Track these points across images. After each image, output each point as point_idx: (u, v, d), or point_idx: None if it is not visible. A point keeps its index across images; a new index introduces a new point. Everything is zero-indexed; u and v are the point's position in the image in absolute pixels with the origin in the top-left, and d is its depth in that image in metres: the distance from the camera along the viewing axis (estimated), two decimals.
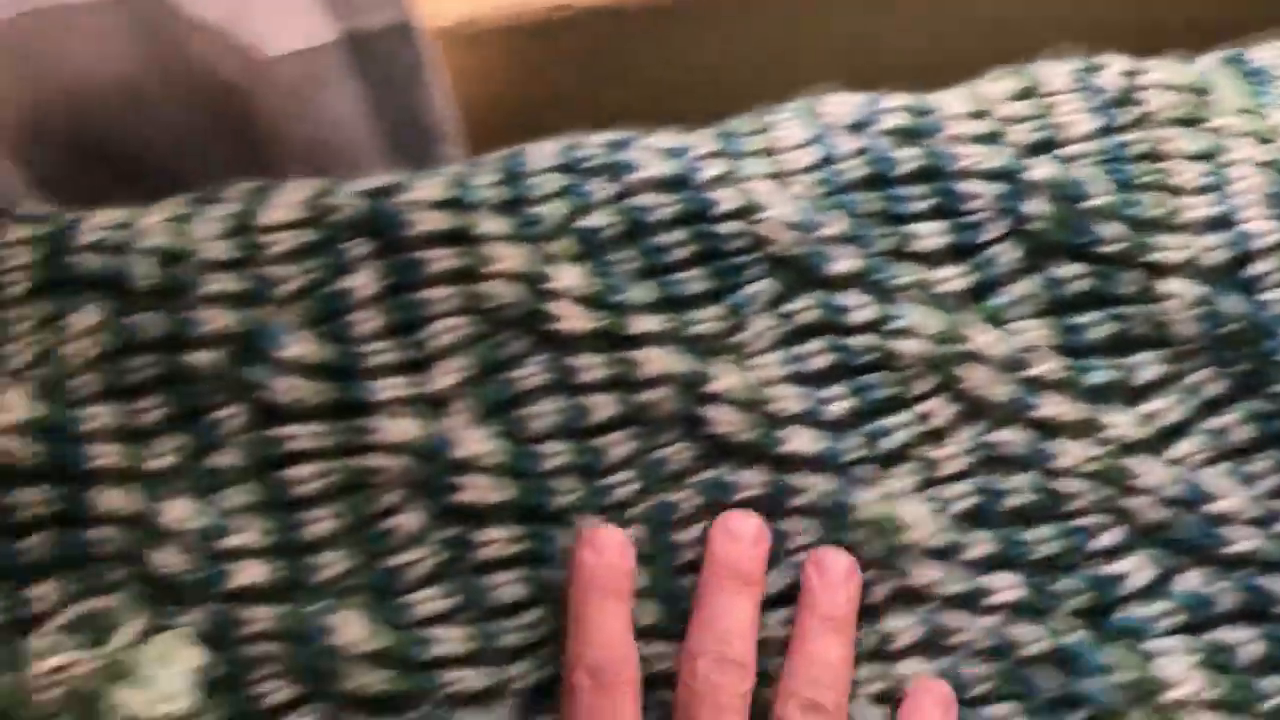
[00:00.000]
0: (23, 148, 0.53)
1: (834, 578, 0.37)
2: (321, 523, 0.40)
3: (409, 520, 0.40)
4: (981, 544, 0.38)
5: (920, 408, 0.40)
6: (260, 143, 0.55)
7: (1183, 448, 0.39)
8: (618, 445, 0.40)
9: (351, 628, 0.38)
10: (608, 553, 0.38)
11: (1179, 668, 0.37)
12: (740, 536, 0.38)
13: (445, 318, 0.41)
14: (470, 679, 0.38)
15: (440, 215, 0.42)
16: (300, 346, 0.41)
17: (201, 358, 0.41)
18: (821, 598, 0.37)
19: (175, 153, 0.56)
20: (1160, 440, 0.39)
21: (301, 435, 0.41)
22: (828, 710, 0.35)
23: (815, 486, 0.39)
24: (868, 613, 0.38)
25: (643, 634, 0.38)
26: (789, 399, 0.40)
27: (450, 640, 0.39)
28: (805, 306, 0.41)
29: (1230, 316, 0.39)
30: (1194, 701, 0.36)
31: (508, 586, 0.39)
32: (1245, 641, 0.37)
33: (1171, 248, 0.40)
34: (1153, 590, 0.38)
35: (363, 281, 0.42)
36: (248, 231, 0.42)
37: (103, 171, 0.49)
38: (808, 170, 0.42)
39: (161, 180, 0.46)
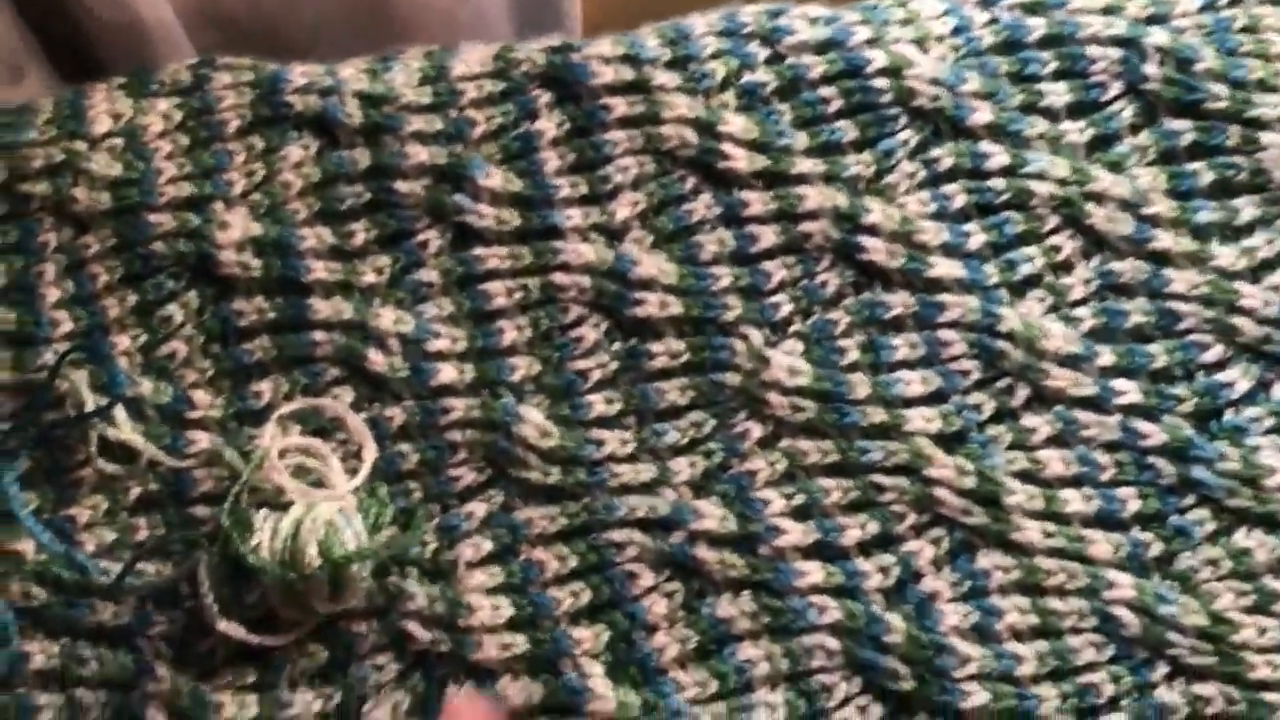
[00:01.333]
0: (195, 30, 0.58)
1: None
2: (513, 331, 0.44)
3: (590, 332, 0.45)
4: (1106, 355, 0.44)
5: (1050, 241, 0.45)
6: (397, 21, 0.60)
7: (1276, 277, 0.44)
8: (780, 270, 0.45)
9: (534, 423, 0.43)
10: None
11: (1277, 461, 0.42)
12: None
13: (624, 157, 0.46)
14: (634, 473, 0.43)
15: (619, 68, 0.47)
16: (497, 178, 0.46)
17: (406, 187, 0.46)
18: None
19: (318, 35, 0.61)
20: (1258, 270, 0.44)
21: (496, 256, 0.46)
22: None
23: (962, 304, 0.45)
24: (1010, 413, 0.43)
25: (805, 429, 0.43)
26: (934, 231, 0.45)
27: (618, 440, 0.43)
28: (947, 153, 0.46)
29: None
30: None
31: (673, 392, 0.44)
32: None
33: (1270, 105, 0.46)
34: (1252, 396, 0.43)
35: (548, 125, 0.47)
36: (442, 80, 0.47)
37: (258, 50, 0.54)
38: (946, 36, 0.48)
39: (304, 59, 0.50)
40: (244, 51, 0.49)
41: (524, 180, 0.46)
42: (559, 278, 0.45)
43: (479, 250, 0.46)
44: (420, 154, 0.46)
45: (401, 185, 0.46)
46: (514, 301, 0.45)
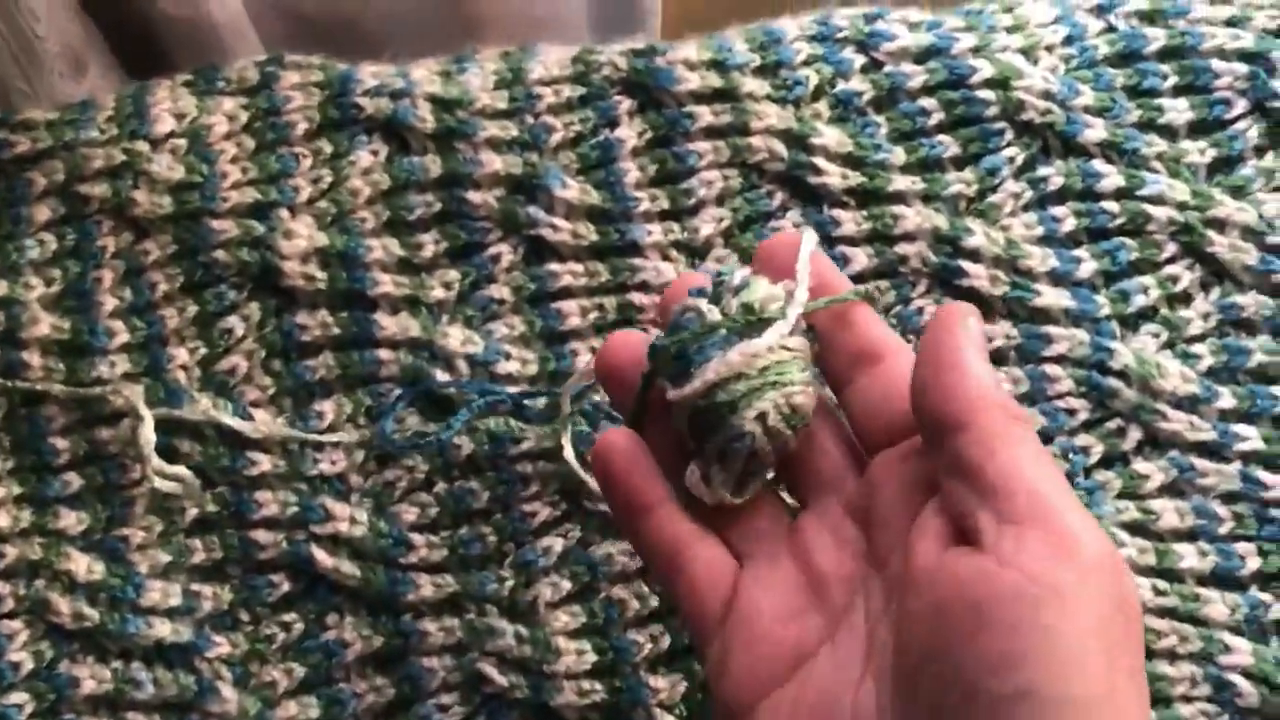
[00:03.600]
0: (264, 24, 0.56)
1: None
2: (588, 354, 0.41)
3: None
4: (1226, 397, 0.40)
5: (1167, 271, 0.41)
6: (470, 16, 0.58)
7: None
8: (872, 293, 0.43)
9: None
10: None
11: None
12: None
13: (709, 169, 0.43)
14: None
15: (705, 74, 0.44)
16: (573, 189, 0.44)
17: (479, 197, 0.43)
18: None
19: (391, 29, 0.59)
20: None
21: (570, 272, 0.43)
22: None
23: (1070, 337, 0.41)
24: (1120, 458, 0.40)
25: None
26: (1041, 257, 0.42)
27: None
28: (1056, 172, 0.42)
29: None
30: None
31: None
32: None
33: None
34: None
35: (629, 133, 0.44)
36: (519, 84, 0.45)
37: (328, 46, 0.52)
38: (1057, 46, 0.45)
39: (377, 54, 0.48)
40: (314, 47, 0.47)
41: (602, 192, 0.44)
42: (637, 298, 0.43)
43: (553, 266, 0.43)
44: (494, 162, 0.44)
45: (473, 195, 0.43)
46: (588, 322, 0.43)
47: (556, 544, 0.40)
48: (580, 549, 0.40)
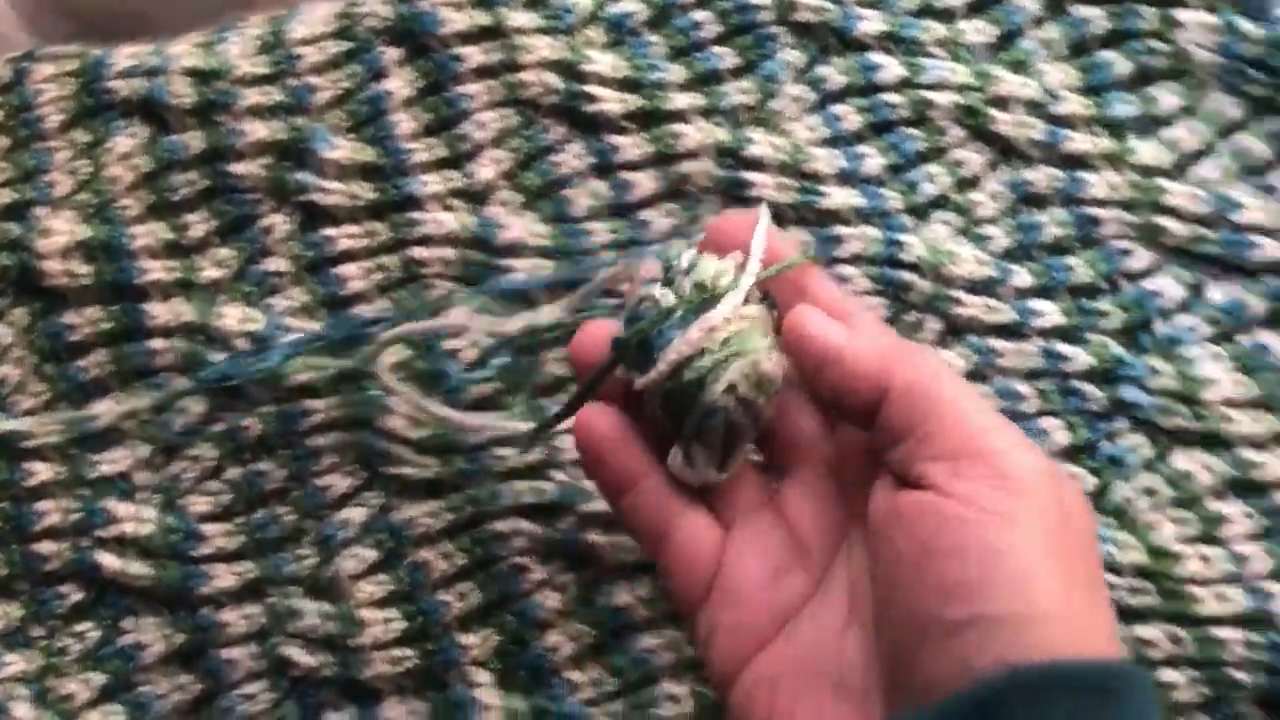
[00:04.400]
0: (48, 24, 0.54)
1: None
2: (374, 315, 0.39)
3: (460, 311, 0.41)
4: (1022, 275, 0.39)
5: (954, 156, 0.40)
6: None
7: (1203, 170, 0.39)
8: (662, 218, 0.40)
9: (403, 413, 0.38)
10: None
11: (1216, 371, 0.38)
12: None
13: (483, 111, 0.41)
14: (516, 457, 0.39)
15: (471, 13, 0.42)
16: (343, 149, 0.42)
17: (244, 168, 0.40)
18: None
19: (179, 13, 0.57)
20: (1183, 164, 0.39)
21: (348, 235, 0.41)
22: None
23: (861, 236, 0.40)
24: None
25: None
26: (826, 158, 0.40)
27: (501, 420, 0.39)
28: (835, 70, 0.41)
29: (1246, 39, 0.40)
30: (1233, 401, 0.38)
31: (558, 364, 0.39)
32: (1275, 342, 0.38)
33: None
34: (1185, 304, 0.38)
35: (398, 84, 0.43)
36: (279, 46, 0.42)
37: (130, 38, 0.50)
38: None
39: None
40: (101, 40, 0.46)
41: (375, 148, 0.42)
42: (420, 252, 0.41)
43: (330, 231, 0.41)
44: (257, 130, 0.42)
45: (239, 167, 0.41)
46: (373, 284, 0.41)
47: (357, 514, 0.39)
48: (382, 515, 0.39)
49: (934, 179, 0.40)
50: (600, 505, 0.38)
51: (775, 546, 0.31)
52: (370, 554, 0.38)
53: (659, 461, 0.32)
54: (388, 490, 0.39)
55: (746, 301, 0.31)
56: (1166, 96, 0.40)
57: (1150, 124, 0.40)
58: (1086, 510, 0.28)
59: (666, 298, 0.31)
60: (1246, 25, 0.40)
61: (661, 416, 0.31)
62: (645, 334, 0.31)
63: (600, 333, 0.32)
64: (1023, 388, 0.38)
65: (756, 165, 0.40)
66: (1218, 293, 0.39)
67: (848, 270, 0.40)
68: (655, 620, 0.38)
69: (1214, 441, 0.37)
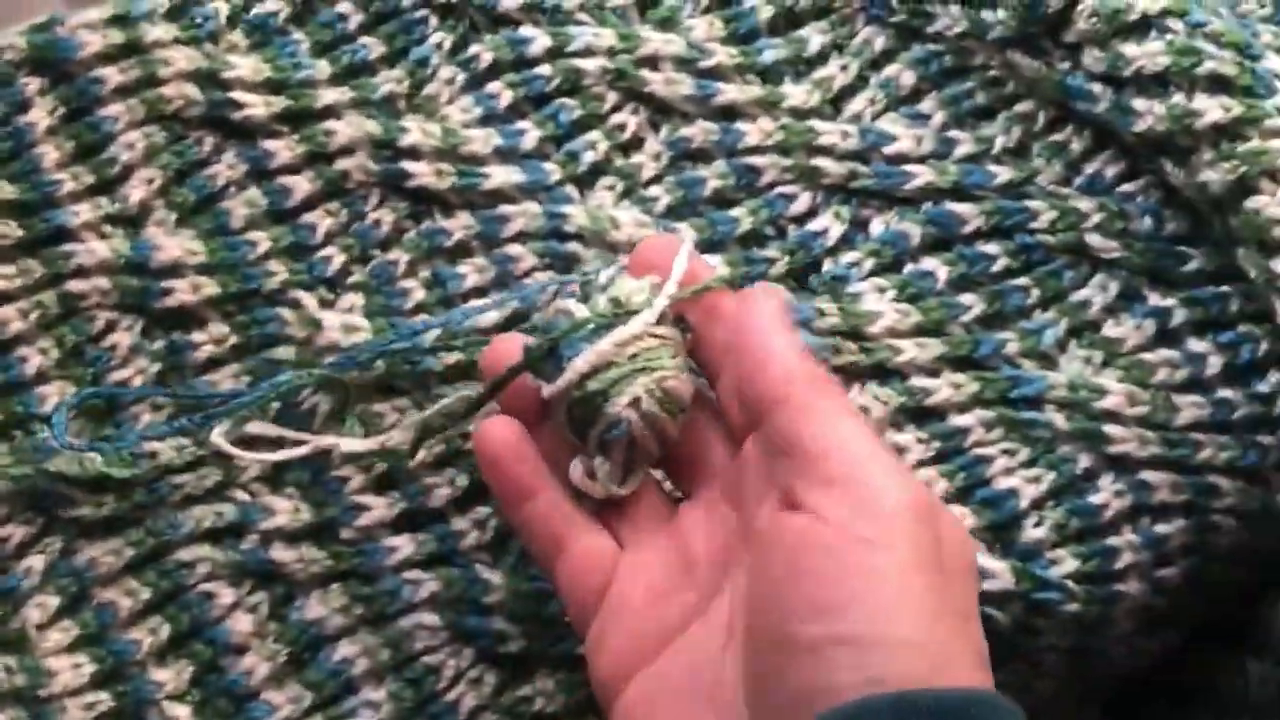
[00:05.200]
0: None
1: None
2: (37, 357, 0.38)
3: (123, 336, 0.39)
4: (686, 231, 0.38)
5: (611, 121, 0.39)
6: None
7: (855, 105, 0.39)
8: (324, 219, 0.39)
9: (73, 454, 0.37)
10: None
11: (880, 304, 0.38)
12: None
13: (128, 131, 0.39)
14: (197, 480, 0.38)
15: (107, 32, 0.40)
16: None
17: None
18: None
19: None
20: (835, 102, 0.39)
21: (2, 276, 0.40)
22: None
23: (524, 213, 0.39)
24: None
25: (378, 390, 0.39)
26: (483, 138, 0.39)
27: (172, 449, 0.38)
28: (485, 48, 0.40)
29: None
30: (898, 331, 0.37)
31: (227, 381, 0.38)
32: (938, 267, 0.38)
33: None
34: (848, 240, 0.38)
35: (40, 114, 0.41)
36: None
37: None
38: None
39: None
40: None
41: (20, 184, 0.40)
42: (76, 285, 0.39)
43: None
44: None
45: None
46: (31, 324, 0.39)
47: (38, 562, 0.37)
48: (63, 560, 0.37)
49: (594, 146, 0.40)
50: (282, 520, 0.37)
51: (667, 566, 0.31)
52: (54, 600, 0.37)
53: (562, 477, 0.32)
54: (67, 533, 0.38)
55: (661, 323, 0.31)
56: (814, 36, 0.40)
57: (802, 65, 0.40)
58: (965, 542, 0.29)
59: (580, 311, 0.31)
60: None
61: (567, 427, 0.32)
62: (555, 343, 0.31)
63: (513, 345, 0.32)
64: None
65: (413, 154, 0.40)
66: (879, 225, 0.39)
67: (515, 249, 0.39)
68: (350, 628, 0.37)
69: (885, 373, 0.37)
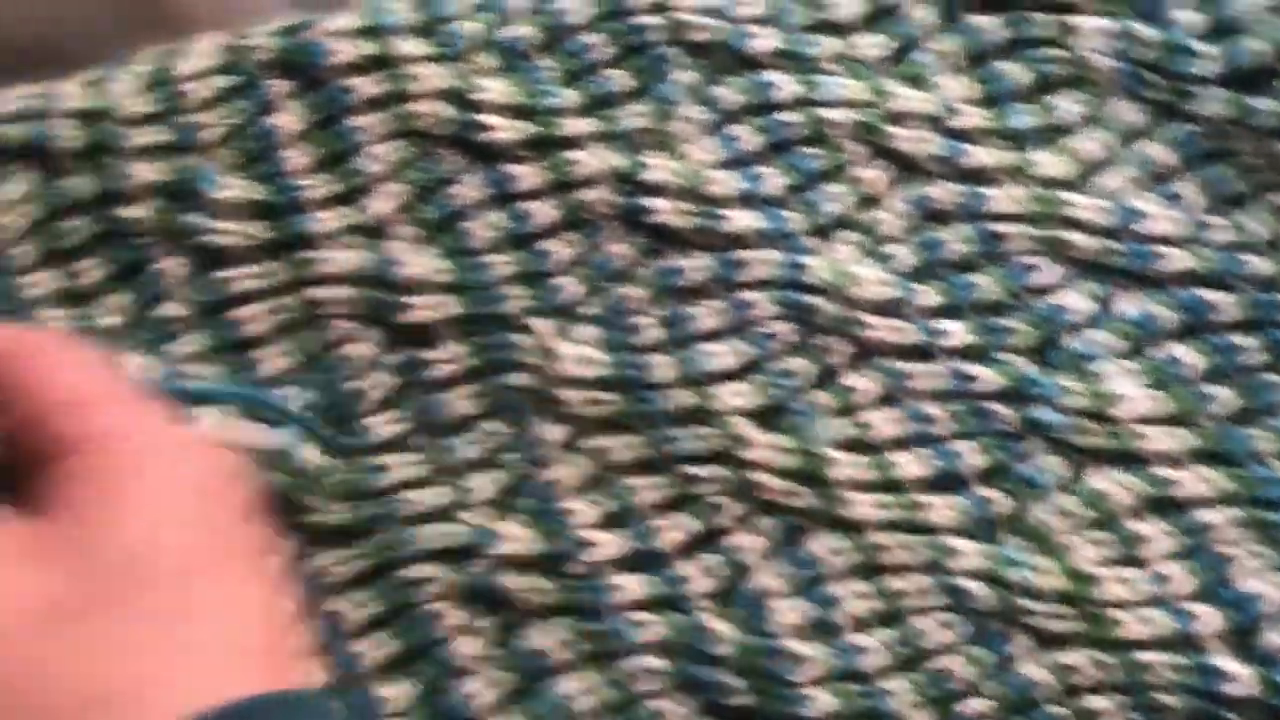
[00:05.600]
0: None
1: None
2: (275, 360, 0.39)
3: (361, 348, 0.39)
4: (928, 294, 0.38)
5: (854, 174, 0.39)
6: (169, 15, 0.55)
7: (1108, 179, 0.39)
8: (561, 248, 0.39)
9: (310, 458, 0.38)
10: None
11: (1128, 387, 0.37)
12: None
13: (376, 144, 0.39)
14: (428, 499, 0.38)
15: (359, 43, 0.41)
16: (233, 188, 0.40)
17: (134, 212, 0.39)
18: None
19: (92, 40, 0.55)
20: (1087, 175, 0.38)
21: (245, 276, 0.39)
22: None
23: (764, 260, 0.39)
24: (829, 375, 0.38)
25: (607, 425, 0.40)
26: (725, 181, 0.39)
27: (407, 464, 0.38)
28: (731, 90, 0.40)
29: (1143, 43, 0.40)
30: (1145, 418, 0.37)
31: (461, 402, 0.38)
32: (1188, 355, 0.38)
33: None
34: (1094, 318, 0.38)
35: (288, 118, 0.41)
36: (167, 84, 0.41)
37: (39, 67, 0.49)
38: None
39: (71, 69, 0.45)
40: (24, 71, 0.44)
41: (266, 186, 0.41)
42: (318, 292, 0.40)
43: (225, 273, 0.41)
44: (145, 172, 0.40)
45: (129, 211, 0.40)
46: (272, 326, 0.40)
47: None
48: (293, 565, 0.38)
49: (835, 198, 0.40)
50: (514, 546, 0.38)
51: None
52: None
53: None
54: (297, 539, 0.38)
55: None
56: (1067, 105, 0.40)
57: (1052, 134, 0.40)
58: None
59: None
60: (1143, 29, 0.39)
61: None
62: None
63: None
64: (934, 410, 0.38)
65: (655, 190, 0.40)
66: (1127, 305, 0.38)
67: (752, 295, 0.39)
68: (574, 663, 0.37)
69: (1129, 459, 0.37)
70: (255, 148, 0.40)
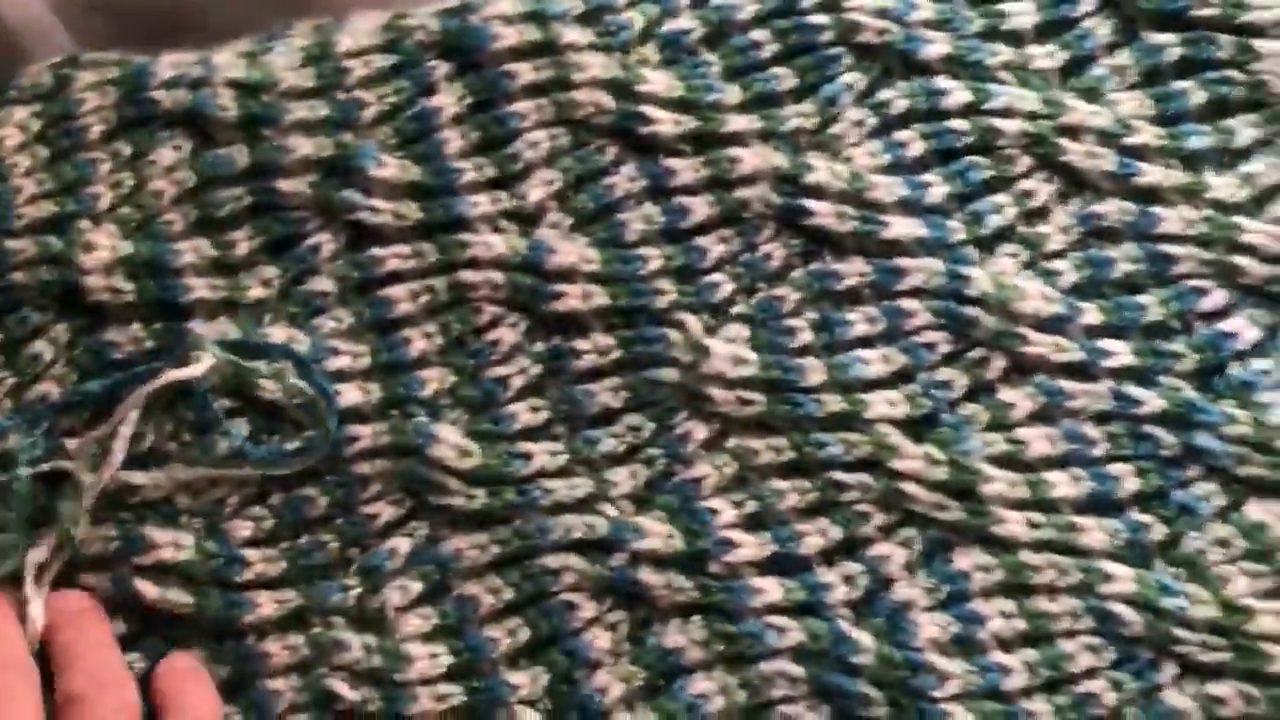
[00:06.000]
0: (81, 22, 0.53)
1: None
2: (421, 340, 0.39)
3: (507, 333, 0.39)
4: (1092, 313, 0.37)
5: (1021, 185, 0.38)
6: None
7: None
8: (717, 245, 0.39)
9: (451, 442, 0.38)
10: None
11: None
12: None
13: (534, 130, 0.39)
14: (568, 489, 0.37)
15: (522, 28, 0.40)
16: (390, 167, 0.41)
17: (290, 185, 0.39)
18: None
19: (218, 10, 0.56)
20: (1261, 200, 0.37)
21: (397, 255, 0.39)
22: None
23: (924, 268, 0.39)
24: (986, 388, 0.38)
25: (754, 426, 0.38)
26: (888, 186, 0.38)
27: (547, 453, 0.38)
28: (899, 94, 0.39)
29: None
30: None
31: (605, 394, 0.38)
32: None
33: (1265, 7, 0.39)
34: (1260, 346, 0.37)
35: (448, 100, 0.41)
36: (327, 59, 0.41)
37: (160, 37, 0.49)
38: None
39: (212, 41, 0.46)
40: (144, 41, 0.44)
41: (423, 166, 0.40)
42: (468, 275, 0.40)
43: (377, 251, 0.40)
44: (304, 146, 0.40)
45: (285, 184, 0.40)
46: (420, 306, 0.40)
47: (403, 544, 0.38)
48: (429, 546, 0.38)
49: (1001, 210, 0.39)
50: (653, 543, 0.37)
51: None
52: (416, 586, 0.38)
53: None
54: (434, 520, 0.38)
55: None
56: (1244, 129, 0.39)
57: (1227, 157, 0.39)
58: None
59: None
60: None
61: None
62: None
63: None
64: (1092, 431, 0.37)
65: (816, 192, 0.39)
66: None
67: (909, 304, 0.38)
68: (708, 663, 0.37)
69: None
70: (414, 128, 0.40)
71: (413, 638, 0.36)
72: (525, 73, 0.40)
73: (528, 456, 0.37)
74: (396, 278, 0.39)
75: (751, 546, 0.37)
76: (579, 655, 0.36)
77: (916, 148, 0.39)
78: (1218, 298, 0.37)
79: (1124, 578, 0.35)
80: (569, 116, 0.40)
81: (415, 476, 0.37)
